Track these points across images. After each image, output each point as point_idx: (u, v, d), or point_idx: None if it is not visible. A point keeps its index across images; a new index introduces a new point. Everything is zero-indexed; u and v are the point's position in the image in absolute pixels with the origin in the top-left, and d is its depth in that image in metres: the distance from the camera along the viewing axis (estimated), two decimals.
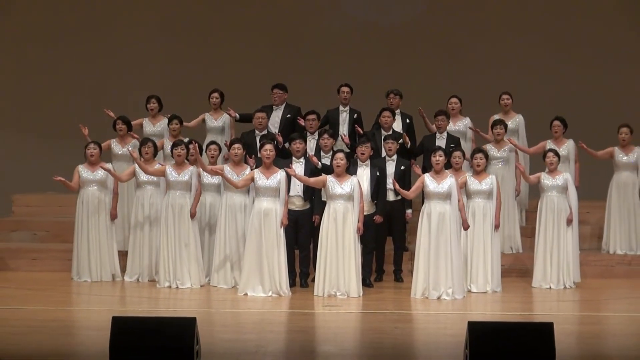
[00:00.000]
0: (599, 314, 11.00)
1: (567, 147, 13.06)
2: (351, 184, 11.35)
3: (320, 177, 11.52)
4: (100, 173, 12.45)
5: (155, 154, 12.49)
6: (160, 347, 7.61)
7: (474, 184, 11.88)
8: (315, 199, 11.96)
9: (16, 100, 16.28)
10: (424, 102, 13.62)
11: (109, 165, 12.50)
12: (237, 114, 13.31)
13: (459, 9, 16.11)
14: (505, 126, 13.06)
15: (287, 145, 12.46)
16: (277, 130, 13.03)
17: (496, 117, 13.45)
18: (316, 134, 12.65)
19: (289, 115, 13.24)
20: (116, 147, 13.13)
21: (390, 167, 12.20)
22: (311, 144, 12.66)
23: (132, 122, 13.37)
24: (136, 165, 12.34)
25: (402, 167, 12.23)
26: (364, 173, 11.90)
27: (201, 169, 12.01)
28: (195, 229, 12.02)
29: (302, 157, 12.04)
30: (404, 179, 12.14)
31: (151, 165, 12.33)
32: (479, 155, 12.00)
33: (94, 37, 16.17)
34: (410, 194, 11.68)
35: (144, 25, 16.24)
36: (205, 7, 16.28)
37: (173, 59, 16.14)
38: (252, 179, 11.54)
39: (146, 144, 12.44)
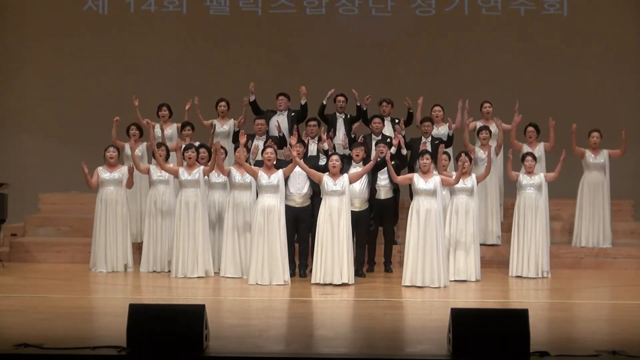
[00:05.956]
0: (570, 301, 11.00)
1: (539, 150, 13.17)
2: (342, 181, 11.46)
3: (317, 172, 11.59)
4: (117, 174, 12.51)
5: (167, 157, 12.54)
6: (173, 331, 7.64)
7: (459, 181, 11.91)
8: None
9: (44, 110, 16.31)
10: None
11: (137, 152, 12.75)
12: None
13: (442, 26, 16.19)
14: (490, 132, 13.14)
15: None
16: (286, 132, 13.01)
17: (478, 123, 13.52)
18: (316, 138, 12.70)
19: (293, 114, 13.33)
20: (129, 149, 13.18)
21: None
22: (311, 147, 12.71)
23: (145, 120, 13.49)
24: (151, 166, 12.44)
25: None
26: None
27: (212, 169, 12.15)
28: (205, 224, 12.05)
29: (302, 159, 12.10)
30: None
31: (164, 167, 12.42)
32: (465, 157, 12.07)
33: (113, 54, 16.22)
34: (398, 177, 11.71)
35: (159, 42, 16.27)
36: (216, 25, 16.31)
37: (186, 71, 16.16)
38: (256, 175, 11.59)
39: (160, 148, 12.48)
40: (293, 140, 11.90)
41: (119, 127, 13.39)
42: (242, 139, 11.71)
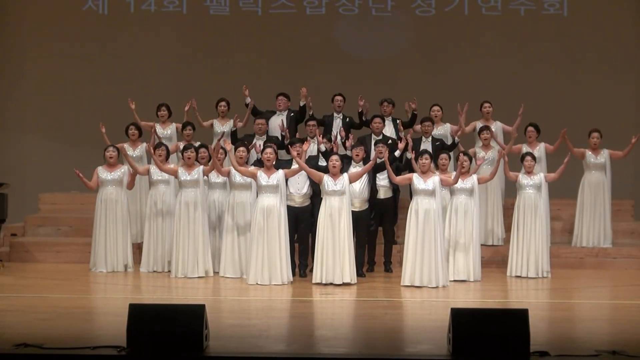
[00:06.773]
0: (570, 301, 11.00)
1: (539, 150, 13.19)
2: (343, 181, 11.48)
3: (318, 172, 11.61)
4: (117, 174, 12.51)
5: (167, 157, 12.54)
6: (173, 331, 7.65)
7: (457, 182, 11.91)
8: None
9: (44, 111, 16.31)
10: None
11: (130, 153, 12.72)
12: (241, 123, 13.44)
13: (442, 26, 16.20)
14: (491, 131, 13.15)
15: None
16: (286, 128, 13.00)
17: (478, 123, 13.54)
18: (316, 138, 12.71)
19: (292, 114, 13.32)
20: (128, 150, 13.13)
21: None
22: (312, 147, 12.71)
23: (143, 123, 13.46)
24: (151, 166, 12.44)
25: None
26: None
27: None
28: (205, 223, 12.05)
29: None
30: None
31: (162, 167, 12.42)
32: (464, 157, 12.07)
33: (113, 54, 16.22)
34: (397, 178, 11.71)
35: (159, 42, 16.27)
36: (216, 25, 16.30)
37: (186, 71, 16.16)
38: (254, 176, 11.60)
39: (159, 148, 12.48)
40: (306, 145, 11.88)
41: (117, 128, 13.38)
42: (227, 146, 11.75)
